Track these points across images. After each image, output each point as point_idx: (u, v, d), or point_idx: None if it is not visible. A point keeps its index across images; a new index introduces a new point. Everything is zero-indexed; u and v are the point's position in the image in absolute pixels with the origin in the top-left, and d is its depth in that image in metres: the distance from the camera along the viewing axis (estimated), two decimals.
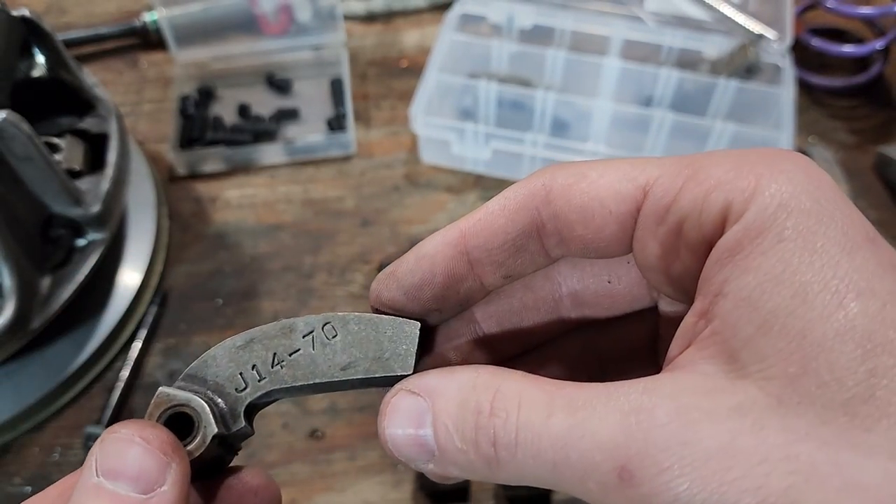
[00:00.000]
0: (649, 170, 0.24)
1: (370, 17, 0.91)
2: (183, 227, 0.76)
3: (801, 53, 0.85)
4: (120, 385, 0.65)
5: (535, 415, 0.22)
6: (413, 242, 0.74)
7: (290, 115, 0.82)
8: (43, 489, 0.66)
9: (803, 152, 0.77)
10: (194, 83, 0.85)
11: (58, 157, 0.65)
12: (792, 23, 0.78)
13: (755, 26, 0.77)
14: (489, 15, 0.83)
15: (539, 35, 0.82)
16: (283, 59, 0.86)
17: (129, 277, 0.70)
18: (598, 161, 0.26)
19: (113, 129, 0.67)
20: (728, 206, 0.22)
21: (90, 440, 0.62)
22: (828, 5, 0.79)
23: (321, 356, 0.26)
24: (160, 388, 0.26)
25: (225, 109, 0.83)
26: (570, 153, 0.72)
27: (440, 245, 0.26)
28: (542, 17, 0.82)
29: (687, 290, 0.24)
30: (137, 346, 0.67)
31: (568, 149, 0.72)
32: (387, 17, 0.92)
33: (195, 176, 0.79)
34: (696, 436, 0.20)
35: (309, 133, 0.81)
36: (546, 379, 0.23)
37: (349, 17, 0.90)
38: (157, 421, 0.25)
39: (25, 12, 0.63)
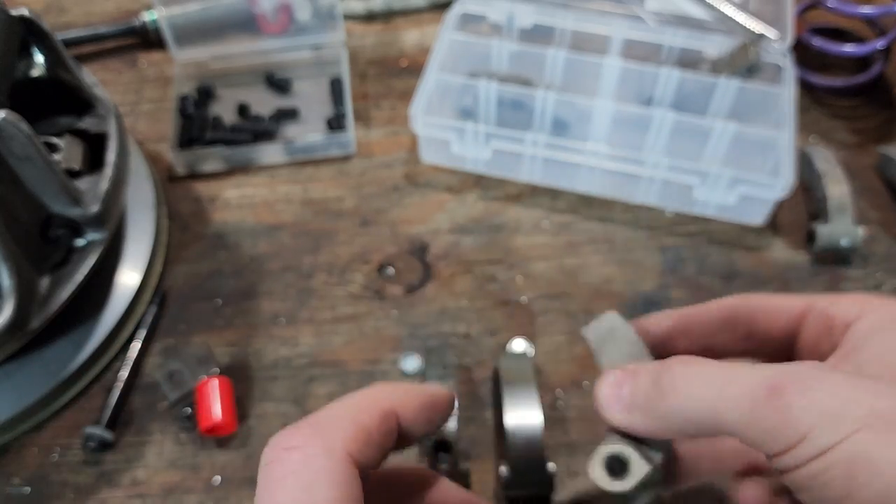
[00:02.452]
0: (806, 301, 0.39)
1: (370, 17, 0.91)
2: (182, 226, 0.76)
3: (802, 53, 0.85)
4: (119, 385, 0.65)
5: (694, 367, 0.34)
6: (413, 242, 0.75)
7: (289, 114, 0.82)
8: (42, 490, 0.65)
9: (804, 152, 0.77)
10: (193, 83, 0.85)
11: (57, 156, 0.65)
12: (793, 22, 0.78)
13: (756, 26, 0.77)
14: (489, 14, 0.83)
15: (539, 34, 0.82)
16: (283, 58, 0.86)
17: (129, 277, 0.70)
18: None
19: (112, 129, 0.67)
20: (860, 313, 0.36)
21: (89, 441, 0.62)
22: (829, 5, 0.79)
23: None
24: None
25: (224, 109, 0.83)
26: (571, 152, 0.72)
27: (667, 317, 0.42)
28: (542, 16, 0.81)
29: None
30: (136, 346, 0.67)
31: (568, 148, 0.72)
32: (386, 16, 0.92)
33: (194, 176, 0.79)
34: (843, 379, 0.29)
35: (309, 133, 0.81)
36: None
37: (349, 17, 0.91)
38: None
39: (24, 11, 0.63)
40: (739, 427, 0.30)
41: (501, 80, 0.77)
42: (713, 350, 0.41)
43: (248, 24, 0.86)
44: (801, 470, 0.29)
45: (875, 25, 0.86)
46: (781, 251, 0.73)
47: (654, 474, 0.35)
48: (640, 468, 0.35)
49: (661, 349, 0.41)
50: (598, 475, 0.35)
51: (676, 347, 0.41)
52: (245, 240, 0.75)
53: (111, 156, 0.66)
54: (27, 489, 0.62)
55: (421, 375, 0.66)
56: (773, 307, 0.39)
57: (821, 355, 0.37)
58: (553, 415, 0.64)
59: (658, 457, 0.36)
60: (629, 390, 0.35)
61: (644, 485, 0.35)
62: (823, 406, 0.28)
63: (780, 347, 0.39)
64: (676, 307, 0.40)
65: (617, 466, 0.35)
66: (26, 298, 0.59)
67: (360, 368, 0.67)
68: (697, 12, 0.80)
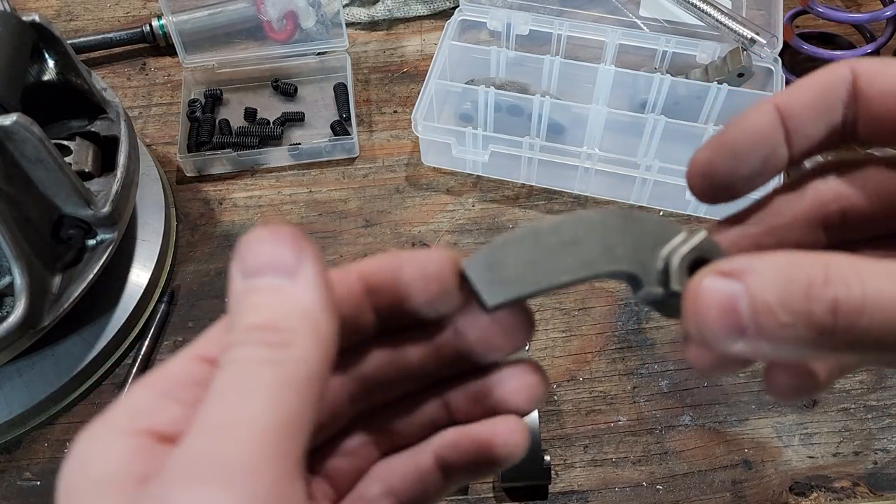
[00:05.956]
0: None
1: (373, 24, 0.93)
2: (191, 227, 0.77)
3: (792, 58, 0.87)
4: (129, 381, 0.67)
5: (883, 282, 0.22)
6: (415, 242, 0.77)
7: (295, 119, 0.84)
8: (53, 484, 0.66)
9: None
10: (202, 88, 0.87)
11: (68, 159, 0.66)
12: (783, 28, 0.79)
13: (747, 31, 0.78)
14: (488, 22, 0.85)
15: (536, 41, 0.84)
16: (289, 64, 0.88)
17: (139, 276, 0.71)
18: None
19: (122, 132, 0.68)
20: None
21: None
22: (818, 10, 0.80)
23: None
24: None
25: (232, 114, 0.85)
26: (566, 156, 0.74)
27: (764, 112, 0.28)
28: (538, 23, 0.83)
29: None
30: (146, 343, 0.69)
31: (563, 152, 0.74)
32: (389, 24, 0.93)
33: (203, 178, 0.81)
34: None
35: (314, 137, 0.83)
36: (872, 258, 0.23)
37: (352, 24, 0.92)
38: None
39: (35, 17, 0.64)
40: None
41: (499, 86, 0.80)
42: (817, 149, 0.28)
43: (254, 31, 0.88)
44: None
45: (864, 30, 0.88)
46: None
47: None
48: None
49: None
50: None
51: (779, 153, 0.28)
52: None
53: (121, 158, 0.67)
54: (38, 483, 0.63)
55: None
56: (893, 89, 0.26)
57: None
58: (549, 408, 0.66)
59: None
60: (753, 303, 0.23)
61: None
62: None
63: None
64: None
65: None
66: (38, 296, 0.60)
67: None
68: (690, 19, 0.82)
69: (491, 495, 0.62)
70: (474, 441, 0.29)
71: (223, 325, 0.25)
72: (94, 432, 0.24)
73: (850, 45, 0.89)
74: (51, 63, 0.68)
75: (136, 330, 0.70)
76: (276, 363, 0.22)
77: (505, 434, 0.29)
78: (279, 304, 0.23)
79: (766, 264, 0.23)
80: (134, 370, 0.67)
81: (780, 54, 0.78)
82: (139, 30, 0.89)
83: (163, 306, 0.71)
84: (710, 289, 0.24)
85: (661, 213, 0.77)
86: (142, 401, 0.24)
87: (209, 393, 0.22)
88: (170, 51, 0.88)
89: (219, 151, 0.80)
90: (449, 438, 0.29)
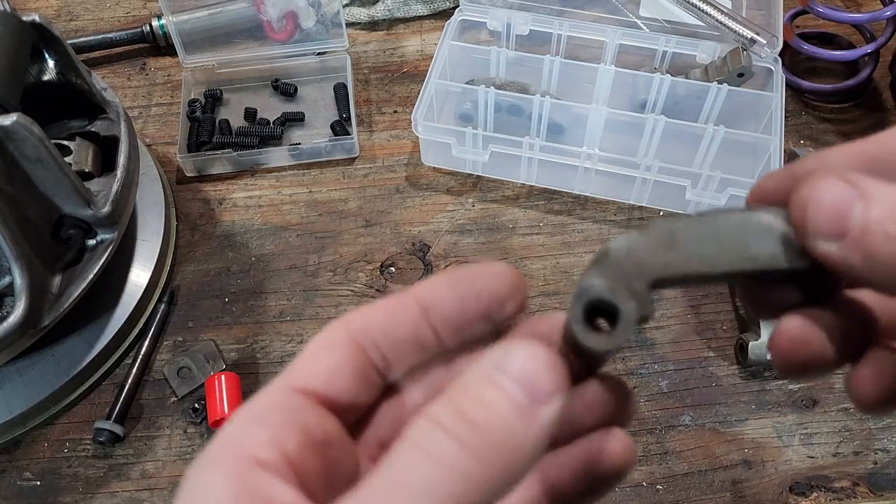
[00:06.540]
0: None
1: (373, 24, 0.93)
2: (191, 227, 0.77)
3: (792, 58, 0.87)
4: (129, 381, 0.67)
5: None
6: (415, 242, 0.77)
7: (295, 119, 0.84)
8: (53, 484, 0.66)
9: (794, 154, 0.78)
10: (202, 88, 0.86)
11: (68, 159, 0.66)
12: (783, 28, 0.80)
13: (747, 31, 0.79)
14: (488, 22, 0.85)
15: (536, 41, 0.84)
16: (289, 64, 0.88)
17: (139, 276, 0.71)
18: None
19: (122, 132, 0.68)
20: None
21: (99, 435, 0.64)
22: (818, 10, 0.80)
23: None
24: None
25: (232, 113, 0.85)
26: (566, 156, 0.74)
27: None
28: (538, 23, 0.83)
29: None
30: (146, 343, 0.69)
31: (563, 152, 0.74)
32: (389, 24, 0.93)
33: (203, 178, 0.81)
34: None
35: (314, 137, 0.83)
36: None
37: (352, 24, 0.92)
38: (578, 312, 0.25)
39: (35, 17, 0.64)
40: None
41: (499, 86, 0.80)
42: None
43: (254, 30, 0.88)
44: None
45: (863, 30, 0.88)
46: None
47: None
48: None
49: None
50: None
51: None
52: (252, 240, 0.77)
53: (121, 158, 0.67)
54: (38, 482, 0.63)
55: None
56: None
57: None
58: None
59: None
60: (867, 209, 0.23)
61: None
62: None
63: None
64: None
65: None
66: (38, 296, 0.60)
67: None
68: (690, 19, 0.82)
69: None
70: (582, 456, 0.28)
71: (315, 359, 0.28)
72: (200, 464, 0.25)
73: (850, 45, 0.89)
74: (51, 63, 0.68)
75: (136, 330, 0.70)
76: (458, 474, 0.21)
77: (615, 447, 0.27)
78: (505, 417, 0.22)
79: (888, 186, 0.23)
80: (134, 370, 0.67)
81: (780, 54, 0.78)
82: (139, 30, 0.89)
83: (163, 306, 0.71)
84: (830, 185, 0.23)
85: (661, 214, 0.77)
86: (236, 428, 0.26)
87: (385, 462, 0.22)
88: (170, 51, 0.88)
89: (219, 151, 0.80)
90: (551, 460, 0.28)
